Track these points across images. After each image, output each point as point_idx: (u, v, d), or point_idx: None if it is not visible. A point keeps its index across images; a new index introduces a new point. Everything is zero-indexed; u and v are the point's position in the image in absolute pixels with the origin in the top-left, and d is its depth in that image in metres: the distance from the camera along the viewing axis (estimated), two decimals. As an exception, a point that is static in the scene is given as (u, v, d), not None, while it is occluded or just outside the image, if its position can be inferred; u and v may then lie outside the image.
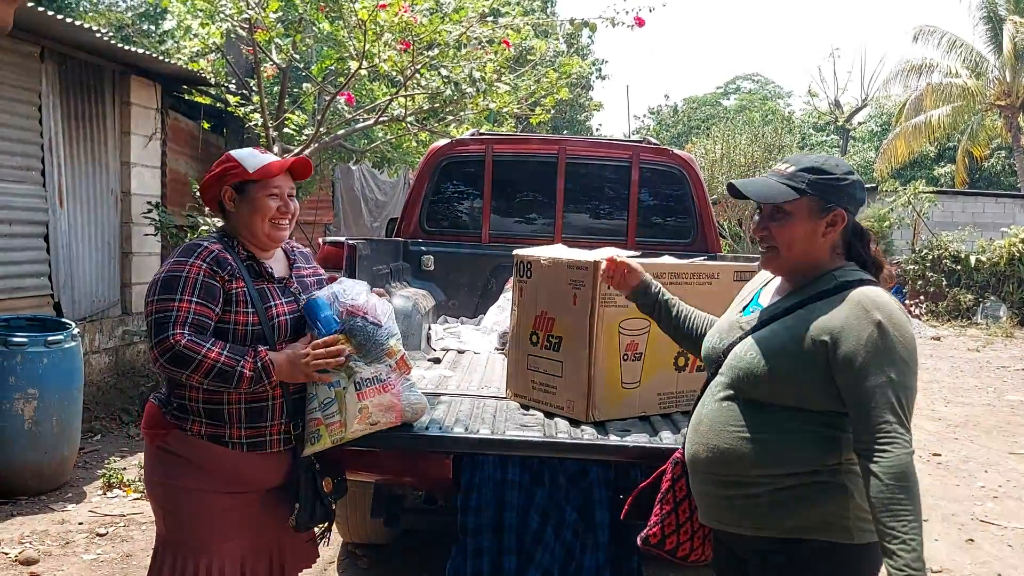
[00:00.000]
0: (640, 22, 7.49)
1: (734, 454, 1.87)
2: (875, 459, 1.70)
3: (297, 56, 6.95)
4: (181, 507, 2.23)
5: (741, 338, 1.94)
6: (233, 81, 7.45)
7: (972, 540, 4.59)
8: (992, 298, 17.24)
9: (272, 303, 2.25)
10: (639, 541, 2.18)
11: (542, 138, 5.66)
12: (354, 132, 8.07)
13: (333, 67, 7.19)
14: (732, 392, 1.91)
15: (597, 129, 34.49)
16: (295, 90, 8.14)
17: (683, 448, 2.06)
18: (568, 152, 4.91)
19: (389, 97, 7.28)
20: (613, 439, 2.52)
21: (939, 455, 6.40)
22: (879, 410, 1.73)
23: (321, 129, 7.05)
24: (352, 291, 2.30)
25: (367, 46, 6.34)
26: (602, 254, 2.62)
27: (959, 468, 6.07)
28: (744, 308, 2.06)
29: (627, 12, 7.32)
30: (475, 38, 7.08)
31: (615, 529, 2.67)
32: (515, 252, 2.98)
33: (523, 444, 2.50)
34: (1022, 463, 6.25)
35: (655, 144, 5.11)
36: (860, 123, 40.77)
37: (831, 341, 1.78)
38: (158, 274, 2.18)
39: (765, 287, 2.07)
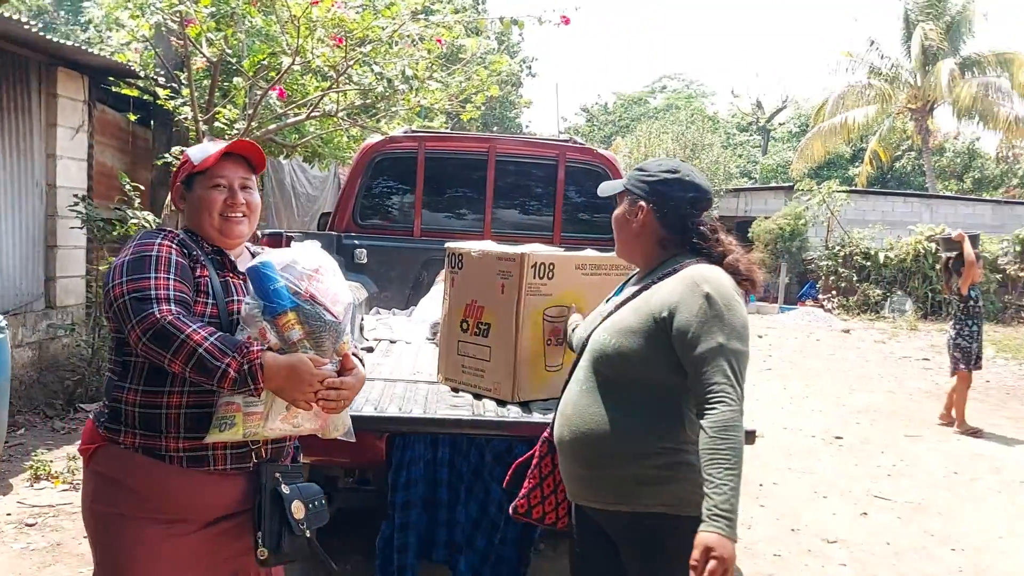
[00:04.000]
0: (566, 20, 7.75)
1: (595, 435, 2.02)
2: (705, 415, 1.86)
3: (229, 50, 6.97)
4: (111, 538, 1.92)
5: (600, 323, 2.13)
6: (162, 74, 7.43)
7: (866, 514, 4.98)
8: (899, 293, 18.14)
9: (235, 298, 2.00)
10: (510, 510, 2.34)
11: (473, 136, 5.86)
12: (286, 127, 8.12)
13: (265, 62, 7.24)
14: (591, 376, 2.07)
15: (527, 126, 34.82)
16: (225, 84, 8.14)
17: (551, 429, 2.23)
18: (498, 150, 5.12)
19: (321, 92, 7.36)
20: (536, 417, 2.74)
21: (841, 438, 6.85)
22: (710, 373, 1.88)
23: (253, 123, 7.10)
24: (308, 262, 1.98)
25: (300, 41, 6.43)
26: (528, 248, 2.87)
27: (858, 449, 6.53)
28: (611, 296, 2.27)
29: (554, 11, 7.58)
30: (407, 35, 7.22)
31: None
32: (447, 245, 3.19)
33: (453, 422, 2.70)
34: (915, 444, 6.75)
35: (581, 143, 5.37)
36: (780, 124, 42.05)
37: (668, 315, 1.95)
38: (121, 257, 1.91)
39: (629, 280, 2.27)
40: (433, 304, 4.43)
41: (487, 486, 2.98)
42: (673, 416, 1.97)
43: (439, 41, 7.19)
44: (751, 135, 41.53)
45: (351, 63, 6.82)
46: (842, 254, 18.75)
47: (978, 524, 4.85)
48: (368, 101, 7.49)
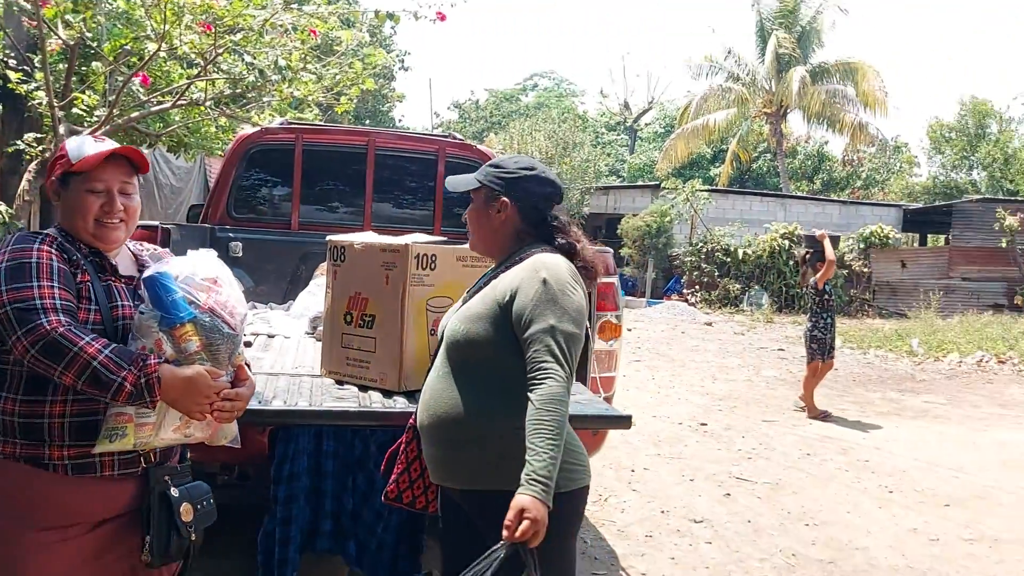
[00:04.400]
0: (442, 17, 7.78)
1: (450, 418, 2.11)
2: (533, 390, 1.97)
3: (88, 33, 6.61)
4: None
5: (453, 314, 2.24)
6: (13, 56, 6.97)
7: (729, 494, 5.28)
8: (756, 287, 19.18)
9: (119, 303, 1.92)
10: (382, 497, 2.39)
11: (352, 129, 5.81)
12: (149, 115, 7.78)
13: (128, 46, 6.91)
14: (446, 362, 2.16)
15: (400, 120, 34.59)
16: (83, 69, 7.72)
17: (415, 416, 2.29)
18: (378, 144, 5.11)
19: (188, 80, 7.10)
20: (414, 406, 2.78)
21: (705, 424, 7.22)
22: (539, 352, 1.99)
23: (115, 111, 6.77)
24: (205, 270, 1.94)
25: (167, 27, 6.18)
26: (411, 239, 2.91)
27: (721, 435, 6.90)
28: (468, 291, 2.35)
29: (430, 7, 7.59)
30: (280, 24, 7.06)
31: None
32: (328, 238, 3.17)
33: (340, 414, 2.71)
34: (772, 429, 7.20)
35: (460, 139, 5.42)
36: (647, 124, 43.49)
37: (509, 299, 2.07)
38: None
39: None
40: (312, 298, 4.38)
41: (372, 476, 3.00)
42: (521, 398, 2.02)
43: (314, 33, 7.07)
44: (619, 134, 42.74)
45: (220, 51, 6.61)
46: (704, 250, 19.65)
47: (828, 501, 5.24)
48: (238, 91, 7.29)
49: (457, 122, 40.63)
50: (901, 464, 6.15)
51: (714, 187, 25.17)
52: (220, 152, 10.90)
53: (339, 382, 3.05)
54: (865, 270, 19.67)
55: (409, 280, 2.88)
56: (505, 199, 2.20)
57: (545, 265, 2.09)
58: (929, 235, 27.11)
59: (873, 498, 5.32)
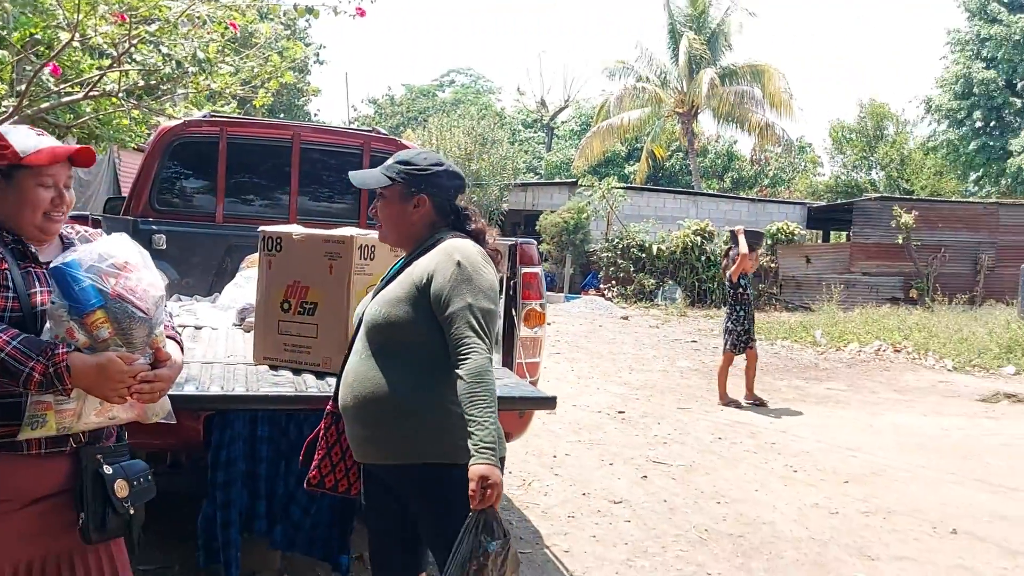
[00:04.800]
0: (361, 13, 7.81)
1: (374, 397, 2.22)
2: (459, 365, 2.11)
3: (-5, 21, 6.42)
4: None
5: (371, 299, 2.36)
6: (-87, 42, 6.69)
7: (646, 477, 5.53)
8: (670, 282, 19.75)
9: (37, 289, 1.93)
10: (305, 483, 2.47)
11: (277, 123, 5.82)
12: (59, 106, 7.57)
13: (38, 35, 6.72)
14: (369, 346, 2.28)
15: (315, 115, 34.11)
16: (-12, 57, 7.45)
17: (333, 401, 2.42)
18: (303, 138, 5.15)
19: (100, 71, 6.95)
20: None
21: (623, 412, 7.48)
22: (461, 328, 2.14)
23: (24, 101, 6.58)
24: (117, 255, 1.93)
25: (80, 17, 6.05)
26: (348, 231, 3.09)
27: (638, 421, 7.17)
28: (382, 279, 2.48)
29: (349, 1, 7.62)
30: (197, 16, 6.98)
31: None
32: (261, 229, 3.26)
33: (277, 399, 2.79)
34: (686, 415, 7.51)
35: (385, 135, 5.50)
36: (563, 122, 44.03)
37: (427, 281, 2.21)
38: None
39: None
40: (239, 290, 4.40)
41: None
42: (443, 374, 2.17)
43: (233, 26, 7.02)
44: (536, 132, 43.16)
45: (135, 41, 6.50)
46: (620, 246, 20.11)
47: (738, 480, 5.53)
48: (152, 82, 7.17)
49: (373, 117, 40.33)
50: (805, 446, 6.52)
51: (629, 185, 25.75)
52: (133, 145, 10.65)
53: (274, 368, 3.13)
54: (772, 265, 20.44)
55: (354, 269, 3.02)
56: (423, 195, 2.32)
57: (457, 248, 2.24)
58: (832, 232, 28.32)
59: (779, 477, 5.64)
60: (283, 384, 2.90)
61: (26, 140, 1.96)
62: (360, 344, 2.31)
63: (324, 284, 3.07)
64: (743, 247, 7.87)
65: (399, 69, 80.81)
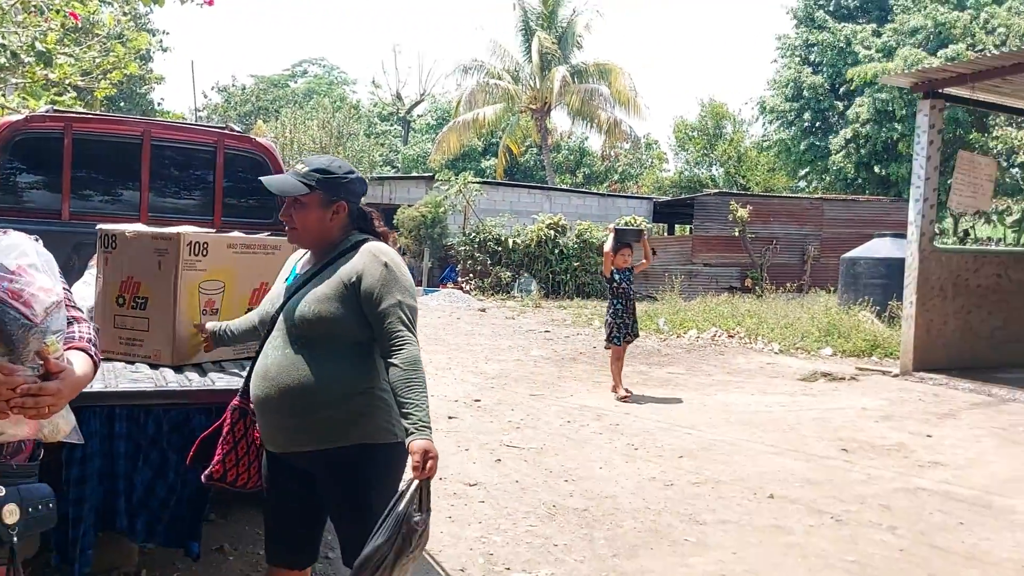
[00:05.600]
0: (210, 2, 7.73)
1: (303, 388, 2.38)
2: (394, 355, 2.35)
3: None
4: None
5: (288, 298, 2.51)
6: None
7: (500, 460, 5.84)
8: (525, 275, 20.29)
9: None
10: (203, 478, 2.62)
11: (126, 119, 5.71)
12: None
13: None
14: (292, 341, 2.43)
15: (159, 104, 32.64)
16: None
17: (240, 397, 2.58)
18: (154, 135, 5.10)
19: (-75, 59, 6.58)
20: (220, 384, 3.00)
21: (479, 400, 7.79)
22: (393, 323, 2.38)
23: None
24: (9, 256, 1.81)
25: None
26: (183, 229, 3.28)
27: (493, 408, 7.50)
28: (287, 279, 2.65)
29: (199, -9, 7.52)
30: (34, 5, 6.72)
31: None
32: (99, 227, 3.41)
33: (137, 394, 2.87)
34: (538, 402, 7.90)
35: (239, 132, 5.53)
36: (419, 116, 44.01)
37: (356, 280, 2.41)
38: None
39: (301, 260, 2.69)
40: (88, 288, 4.35)
41: (164, 454, 3.17)
42: (367, 363, 2.44)
43: (74, 16, 6.80)
44: (392, 125, 42.95)
45: (-35, 29, 6.21)
46: (477, 240, 20.47)
47: (584, 460, 5.93)
48: (-17, 71, 6.84)
49: (223, 105, 38.95)
50: (646, 426, 7.03)
51: (485, 179, 26.18)
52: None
53: (109, 360, 3.22)
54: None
55: (181, 265, 3.18)
56: (342, 202, 2.53)
57: (381, 251, 2.47)
58: (676, 225, 29.84)
59: (621, 455, 6.09)
60: (142, 381, 2.98)
61: None
62: (280, 340, 2.46)
63: (154, 280, 3.22)
64: (607, 245, 8.28)
65: (248, 57, 78.18)
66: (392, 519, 2.24)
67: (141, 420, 3.15)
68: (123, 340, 3.29)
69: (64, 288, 1.97)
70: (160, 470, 3.17)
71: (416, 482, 2.28)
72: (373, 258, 2.45)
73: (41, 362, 1.78)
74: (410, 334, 2.40)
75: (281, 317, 2.50)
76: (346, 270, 2.44)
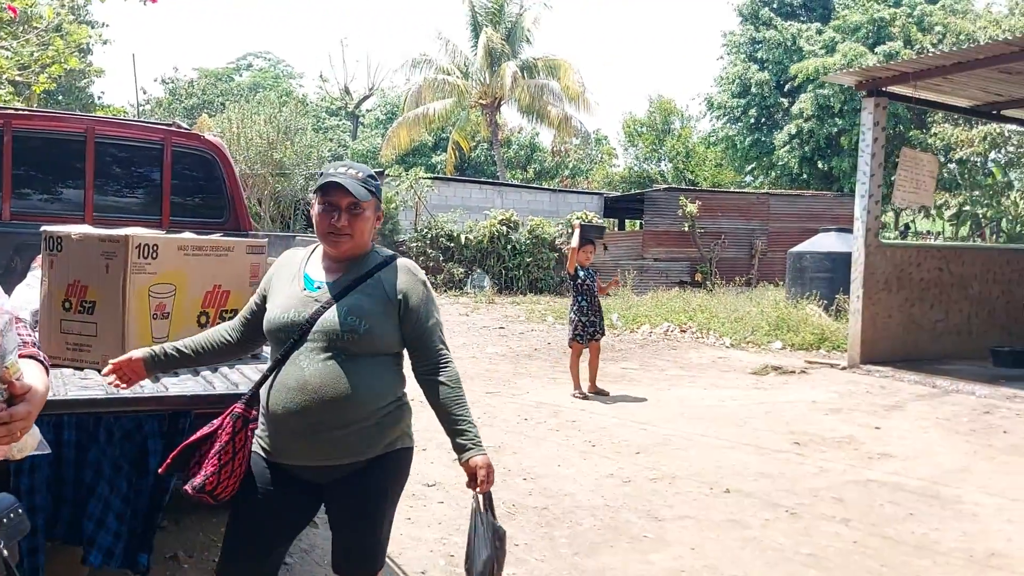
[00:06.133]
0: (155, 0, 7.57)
1: (348, 399, 2.36)
2: (440, 373, 2.48)
3: None
4: None
5: (324, 308, 2.41)
6: None
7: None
8: (478, 271, 20.24)
9: None
10: (191, 489, 2.44)
11: (69, 116, 5.54)
12: None
13: None
14: (333, 352, 2.37)
15: (100, 97, 31.79)
16: None
17: (243, 404, 2.49)
18: (98, 132, 4.95)
19: None
20: (173, 391, 2.92)
21: (435, 399, 7.74)
22: (435, 342, 2.51)
23: None
24: None
25: None
26: (132, 231, 3.15)
27: (450, 408, 7.45)
28: (305, 285, 2.52)
29: (142, -15, 7.36)
30: (-33, -3, 6.48)
31: (157, 476, 3.02)
32: (43, 228, 3.25)
33: (88, 402, 2.77)
34: (494, 399, 7.89)
35: (187, 129, 5.40)
36: (368, 111, 43.61)
37: (403, 299, 2.47)
38: None
39: (306, 264, 2.59)
40: (31, 291, 4.21)
41: (116, 462, 3.08)
42: (399, 374, 2.54)
43: (12, 10, 6.57)
44: (341, 120, 42.48)
45: None
46: (429, 236, 20.36)
47: (542, 457, 5.94)
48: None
49: (167, 99, 38.09)
50: (602, 422, 7.07)
51: (436, 175, 26.04)
52: None
53: (56, 366, 3.10)
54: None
55: (130, 268, 3.06)
56: (381, 210, 2.59)
57: (416, 269, 2.57)
58: (627, 220, 30.09)
59: (578, 452, 6.11)
60: (93, 388, 2.88)
61: None
62: (320, 353, 2.38)
63: (101, 283, 3.11)
64: (573, 240, 8.25)
65: (191, 50, 76.56)
66: (487, 532, 2.46)
67: (90, 428, 3.07)
68: (70, 346, 3.15)
69: None
70: (112, 480, 3.08)
71: (482, 498, 2.48)
72: (413, 276, 2.54)
73: (4, 386, 1.68)
74: (448, 352, 2.55)
75: (320, 327, 2.40)
76: (391, 287, 2.49)
